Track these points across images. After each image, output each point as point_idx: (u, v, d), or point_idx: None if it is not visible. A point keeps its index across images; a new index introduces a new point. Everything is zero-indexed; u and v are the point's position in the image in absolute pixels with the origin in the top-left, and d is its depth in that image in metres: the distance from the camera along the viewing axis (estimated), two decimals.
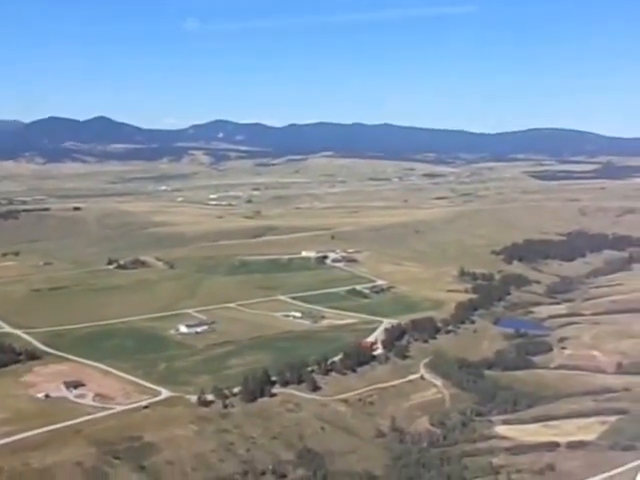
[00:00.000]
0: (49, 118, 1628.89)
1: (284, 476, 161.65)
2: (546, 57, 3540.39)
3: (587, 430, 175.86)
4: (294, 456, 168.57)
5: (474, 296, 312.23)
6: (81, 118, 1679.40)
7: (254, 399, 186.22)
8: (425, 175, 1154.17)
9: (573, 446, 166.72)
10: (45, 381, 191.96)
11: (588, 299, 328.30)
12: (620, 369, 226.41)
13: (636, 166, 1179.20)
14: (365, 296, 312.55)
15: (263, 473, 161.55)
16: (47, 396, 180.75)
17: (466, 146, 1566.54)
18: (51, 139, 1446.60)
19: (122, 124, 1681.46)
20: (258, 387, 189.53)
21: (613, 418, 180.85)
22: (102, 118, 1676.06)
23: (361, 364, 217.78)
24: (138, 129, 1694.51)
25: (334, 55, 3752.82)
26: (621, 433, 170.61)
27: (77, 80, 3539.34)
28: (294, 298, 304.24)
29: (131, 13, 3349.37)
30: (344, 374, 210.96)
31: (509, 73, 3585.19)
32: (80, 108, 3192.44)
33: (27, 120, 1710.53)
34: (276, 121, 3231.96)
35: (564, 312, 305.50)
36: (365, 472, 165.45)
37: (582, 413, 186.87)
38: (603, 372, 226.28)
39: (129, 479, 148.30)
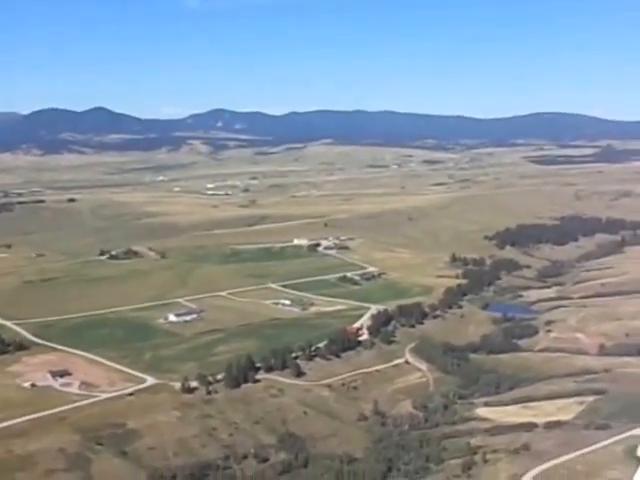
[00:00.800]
0: (47, 109, 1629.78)
1: (266, 460, 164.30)
2: (547, 40, 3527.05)
3: (565, 410, 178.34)
4: (276, 440, 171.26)
5: (464, 281, 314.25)
6: (79, 109, 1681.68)
7: (238, 385, 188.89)
8: (424, 162, 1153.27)
9: (550, 426, 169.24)
10: (32, 371, 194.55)
11: (578, 282, 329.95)
12: (602, 351, 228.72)
13: (636, 149, 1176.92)
14: (355, 283, 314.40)
15: (245, 457, 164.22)
16: (33, 385, 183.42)
17: (467, 132, 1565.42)
18: (49, 130, 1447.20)
19: (120, 115, 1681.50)
20: (242, 373, 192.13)
21: (591, 398, 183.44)
22: (100, 109, 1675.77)
23: (346, 350, 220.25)
24: (136, 119, 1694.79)
25: (335, 41, 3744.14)
26: (597, 413, 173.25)
27: (75, 71, 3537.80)
28: (285, 286, 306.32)
29: None
30: (329, 360, 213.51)
31: (510, 57, 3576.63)
32: (78, 99, 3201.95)
33: (25, 112, 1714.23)
34: (276, 109, 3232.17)
35: (553, 296, 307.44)
36: (346, 454, 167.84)
37: (561, 394, 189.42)
38: (586, 354, 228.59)
39: (111, 464, 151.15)
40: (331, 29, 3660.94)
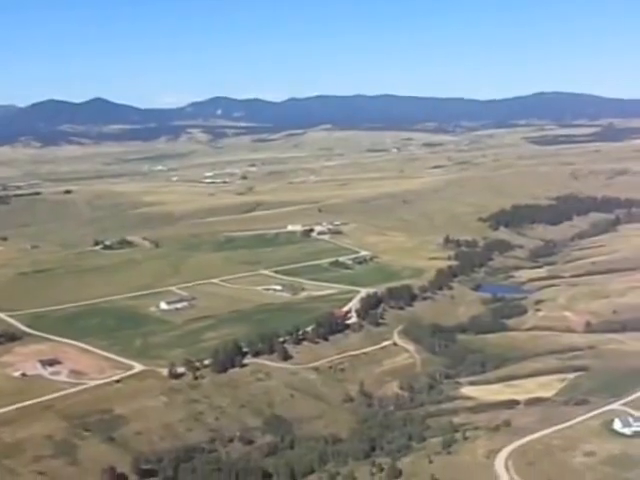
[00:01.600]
0: (45, 101, 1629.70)
1: (251, 442, 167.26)
2: (547, 21, 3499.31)
3: (546, 387, 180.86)
4: (262, 423, 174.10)
5: (455, 263, 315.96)
6: (77, 100, 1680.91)
7: (224, 370, 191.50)
8: (424, 145, 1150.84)
9: (531, 403, 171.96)
10: (23, 360, 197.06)
11: (569, 262, 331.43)
12: (589, 328, 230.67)
13: (636, 127, 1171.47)
14: (347, 267, 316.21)
15: (231, 440, 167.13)
16: (23, 375, 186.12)
17: (468, 114, 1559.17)
18: (47, 122, 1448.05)
19: (119, 105, 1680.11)
20: (229, 358, 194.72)
21: (572, 375, 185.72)
22: (99, 99, 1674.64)
23: (334, 333, 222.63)
24: (135, 109, 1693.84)
25: (335, 26, 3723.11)
26: (577, 389, 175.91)
27: (73, 62, 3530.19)
28: (277, 272, 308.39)
29: None
30: (316, 343, 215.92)
31: (511, 38, 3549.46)
32: (76, 90, 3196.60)
33: (23, 104, 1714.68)
34: (275, 96, 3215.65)
35: (544, 275, 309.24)
36: (331, 435, 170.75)
37: (544, 371, 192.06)
38: (573, 332, 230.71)
39: (98, 450, 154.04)
40: (330, 14, 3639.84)
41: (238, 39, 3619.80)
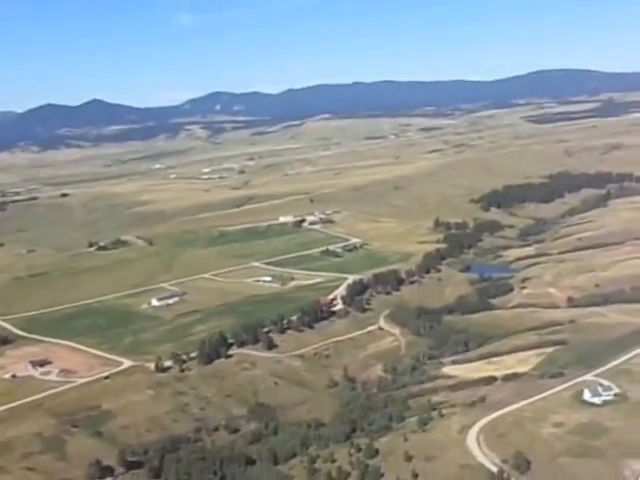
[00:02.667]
0: (43, 106, 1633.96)
1: (237, 430, 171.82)
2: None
3: (524, 363, 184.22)
4: (247, 411, 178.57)
5: (444, 246, 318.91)
6: (75, 103, 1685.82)
7: (210, 361, 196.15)
8: (422, 129, 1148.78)
9: (508, 378, 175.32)
10: (14, 362, 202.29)
11: (557, 239, 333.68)
12: (571, 303, 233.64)
13: (636, 101, 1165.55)
14: (337, 255, 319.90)
15: (216, 429, 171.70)
16: (14, 376, 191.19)
17: (467, 96, 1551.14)
18: (46, 127, 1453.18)
19: (117, 105, 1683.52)
20: (214, 350, 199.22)
21: (550, 349, 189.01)
22: (96, 101, 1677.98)
23: (319, 320, 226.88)
24: (133, 109, 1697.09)
25: (330, 14, 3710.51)
26: (554, 363, 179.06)
27: (69, 64, 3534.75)
28: (268, 263, 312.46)
29: None
30: (301, 331, 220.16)
31: (508, 16, 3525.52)
32: (73, 93, 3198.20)
33: (21, 110, 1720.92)
34: (273, 88, 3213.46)
35: (532, 253, 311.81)
36: (314, 420, 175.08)
37: (524, 347, 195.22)
38: (556, 307, 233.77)
39: (85, 444, 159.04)
40: (323, 2, 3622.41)
41: (233, 33, 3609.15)
